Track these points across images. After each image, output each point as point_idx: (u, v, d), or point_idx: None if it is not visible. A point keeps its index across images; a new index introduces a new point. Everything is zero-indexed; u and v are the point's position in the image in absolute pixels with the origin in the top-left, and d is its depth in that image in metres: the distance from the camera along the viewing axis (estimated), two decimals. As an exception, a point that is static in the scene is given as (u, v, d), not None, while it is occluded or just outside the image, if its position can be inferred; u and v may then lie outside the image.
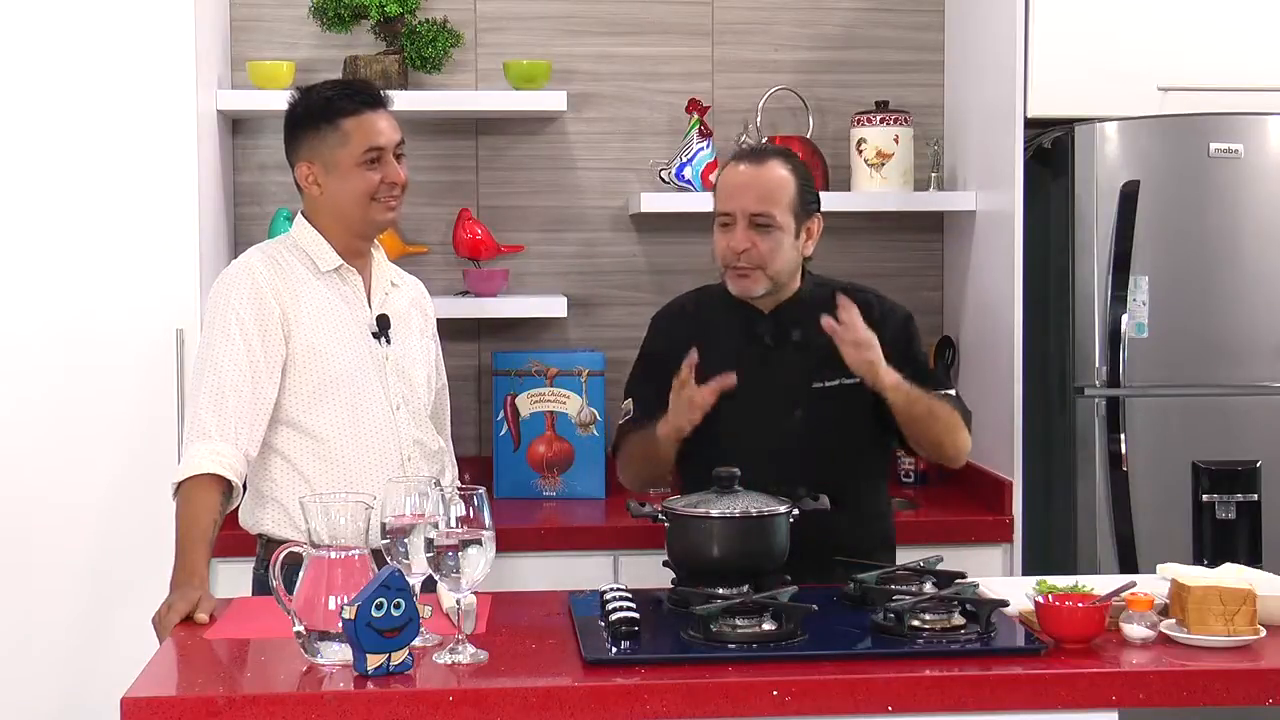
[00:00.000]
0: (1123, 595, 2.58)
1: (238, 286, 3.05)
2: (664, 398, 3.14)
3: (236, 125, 4.22)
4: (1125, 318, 3.74)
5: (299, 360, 3.05)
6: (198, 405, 2.98)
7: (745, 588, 2.70)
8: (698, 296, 3.35)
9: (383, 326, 3.13)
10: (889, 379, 3.05)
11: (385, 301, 3.18)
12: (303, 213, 3.16)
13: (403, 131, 3.15)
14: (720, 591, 2.66)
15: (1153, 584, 2.71)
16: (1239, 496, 3.75)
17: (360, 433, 3.07)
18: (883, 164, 4.16)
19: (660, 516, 2.88)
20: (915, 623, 2.55)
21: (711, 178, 4.15)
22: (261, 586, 3.05)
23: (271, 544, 3.02)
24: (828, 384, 3.14)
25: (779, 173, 3.15)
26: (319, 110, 3.08)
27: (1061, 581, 2.70)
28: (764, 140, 4.21)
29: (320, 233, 3.12)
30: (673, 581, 2.87)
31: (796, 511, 2.87)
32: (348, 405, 3.07)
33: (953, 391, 3.26)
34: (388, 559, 2.46)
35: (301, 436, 3.06)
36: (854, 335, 3.03)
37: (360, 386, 3.08)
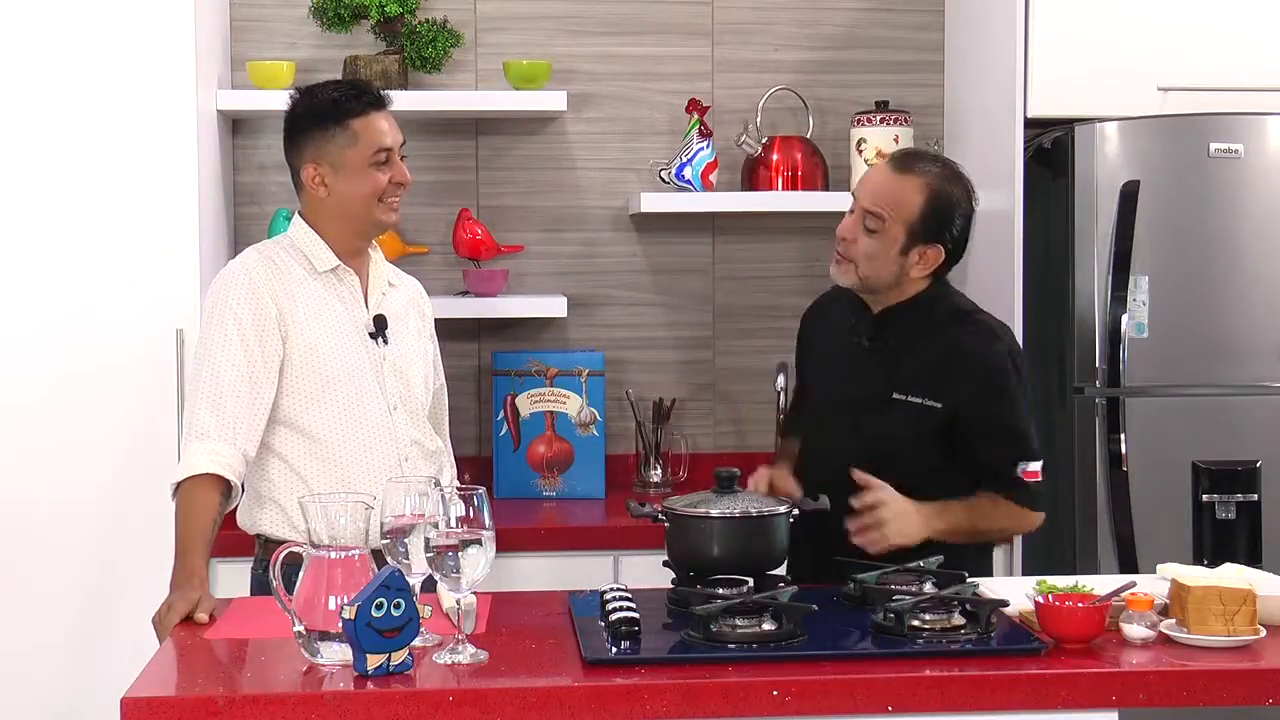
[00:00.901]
0: (1123, 595, 2.58)
1: (235, 287, 3.05)
2: (801, 390, 3.34)
3: (236, 125, 4.22)
4: (1125, 318, 3.74)
5: (296, 360, 3.05)
6: (195, 406, 2.98)
7: (745, 588, 2.70)
8: (844, 289, 3.21)
9: (380, 327, 3.13)
10: (914, 535, 2.93)
11: (382, 302, 3.18)
12: (300, 213, 3.16)
13: (403, 132, 3.15)
14: (720, 591, 2.66)
15: (1153, 584, 2.71)
16: (1239, 496, 3.75)
17: (357, 433, 3.07)
18: (883, 164, 4.16)
19: (660, 516, 2.88)
20: (915, 623, 2.54)
21: (712, 177, 4.16)
22: (260, 586, 3.06)
23: (270, 544, 3.02)
24: (909, 398, 3.04)
25: (911, 185, 3.04)
26: (326, 111, 3.07)
27: (1061, 581, 2.70)
28: (763, 140, 4.21)
29: (318, 233, 3.12)
30: (673, 581, 2.87)
31: (796, 512, 2.87)
32: (345, 405, 3.07)
33: (1030, 466, 3.03)
34: (388, 559, 2.46)
35: (299, 437, 3.06)
36: (866, 521, 2.91)
37: (357, 387, 3.08)
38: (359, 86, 3.14)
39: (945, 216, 3.06)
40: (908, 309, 3.10)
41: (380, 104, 3.11)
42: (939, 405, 3.02)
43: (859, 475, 2.93)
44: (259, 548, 3.12)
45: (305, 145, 3.09)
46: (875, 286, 3.10)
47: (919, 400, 3.04)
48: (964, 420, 3.02)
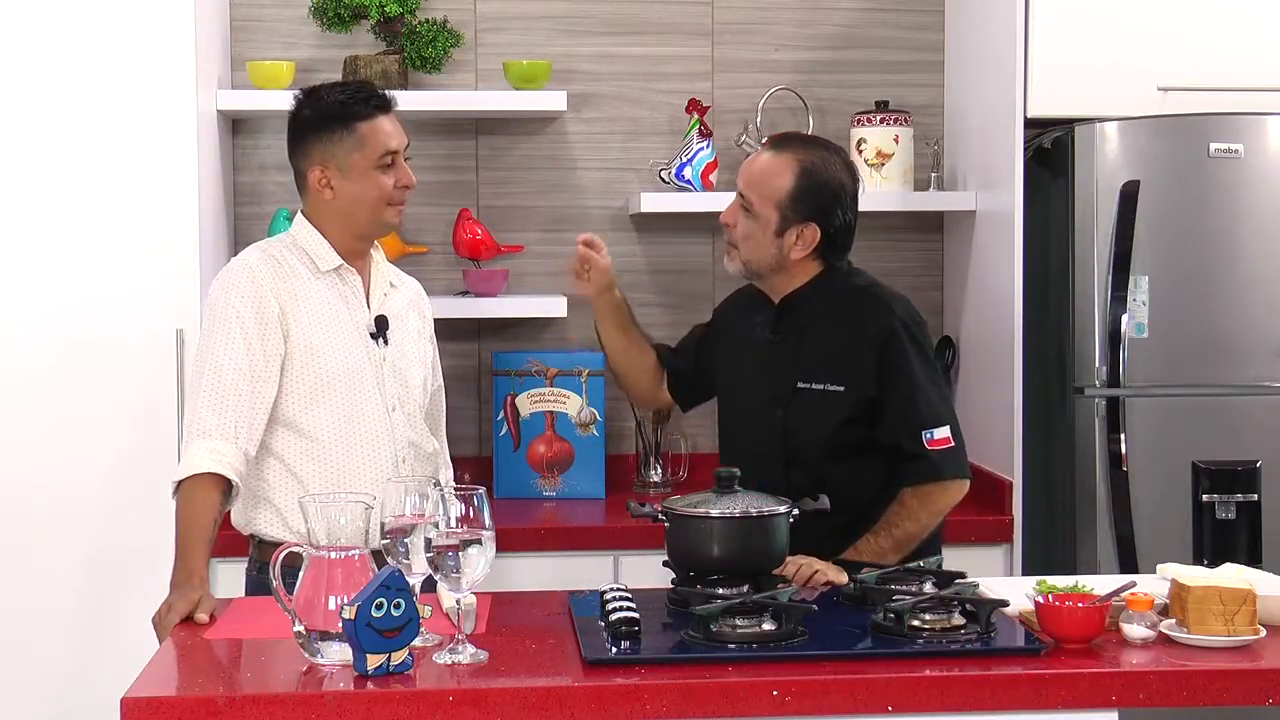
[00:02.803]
0: (1123, 595, 2.58)
1: (238, 284, 3.04)
2: (695, 348, 3.38)
3: (236, 125, 4.22)
4: (1125, 318, 3.74)
5: (296, 359, 3.04)
6: (197, 403, 2.98)
7: (745, 588, 2.70)
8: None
9: (381, 327, 3.13)
10: (853, 559, 2.93)
11: (384, 302, 3.17)
12: (303, 212, 3.16)
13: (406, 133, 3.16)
14: (720, 591, 2.66)
15: (1153, 584, 2.71)
16: (1239, 496, 3.75)
17: (355, 433, 3.07)
18: (883, 164, 4.16)
19: (660, 516, 2.87)
20: (915, 623, 2.54)
21: (712, 177, 4.16)
22: (254, 587, 3.06)
23: (265, 545, 3.02)
24: (813, 386, 3.08)
25: (781, 165, 3.10)
26: (333, 113, 3.07)
27: (1061, 581, 2.70)
28: (763, 140, 4.20)
29: (321, 233, 3.12)
30: (673, 581, 2.87)
31: (796, 512, 2.87)
32: (343, 406, 3.06)
33: (935, 434, 3.02)
34: (388, 559, 2.46)
35: (296, 437, 3.05)
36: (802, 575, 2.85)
37: (356, 387, 3.08)
38: (365, 89, 3.13)
39: (818, 196, 3.08)
40: (805, 295, 3.13)
41: (386, 106, 3.11)
42: (841, 389, 3.05)
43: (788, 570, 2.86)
44: (253, 548, 3.12)
45: (312, 148, 3.09)
46: (758, 270, 3.13)
47: (821, 387, 3.07)
48: (869, 401, 3.04)
